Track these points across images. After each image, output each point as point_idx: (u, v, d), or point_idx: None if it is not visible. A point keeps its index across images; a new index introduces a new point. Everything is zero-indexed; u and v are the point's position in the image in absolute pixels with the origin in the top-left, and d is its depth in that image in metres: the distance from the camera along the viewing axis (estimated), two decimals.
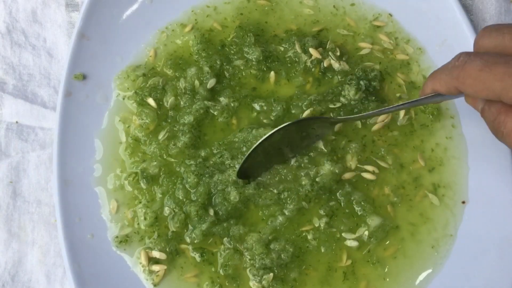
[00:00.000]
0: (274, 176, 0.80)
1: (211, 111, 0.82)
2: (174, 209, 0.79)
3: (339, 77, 0.84)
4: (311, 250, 0.79)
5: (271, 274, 0.76)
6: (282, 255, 0.77)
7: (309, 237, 0.79)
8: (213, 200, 0.79)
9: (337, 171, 0.79)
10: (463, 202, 0.81)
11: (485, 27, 0.63)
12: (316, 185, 0.79)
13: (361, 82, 0.82)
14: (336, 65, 0.84)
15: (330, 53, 0.84)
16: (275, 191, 0.79)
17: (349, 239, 0.79)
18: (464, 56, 0.59)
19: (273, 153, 0.79)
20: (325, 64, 0.84)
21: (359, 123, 0.83)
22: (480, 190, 0.80)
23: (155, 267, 0.78)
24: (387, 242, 0.79)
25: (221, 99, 0.83)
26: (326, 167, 0.79)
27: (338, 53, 0.85)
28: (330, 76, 0.84)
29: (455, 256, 0.79)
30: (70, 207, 0.78)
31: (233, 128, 0.83)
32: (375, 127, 0.83)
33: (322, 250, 0.78)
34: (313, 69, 0.84)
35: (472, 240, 0.79)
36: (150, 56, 0.85)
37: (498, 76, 0.55)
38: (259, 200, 0.79)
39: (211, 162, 0.80)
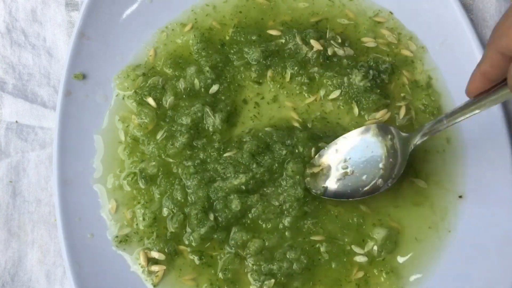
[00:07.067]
0: (277, 188, 0.79)
1: (209, 116, 0.82)
2: (173, 210, 0.79)
3: (349, 61, 0.84)
4: (322, 263, 0.78)
5: (273, 280, 0.76)
6: (294, 265, 0.77)
7: (322, 249, 0.78)
8: (214, 205, 0.78)
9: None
10: (460, 197, 0.80)
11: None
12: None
13: (370, 71, 0.82)
14: (340, 51, 0.84)
15: (332, 41, 0.84)
16: (276, 203, 0.79)
17: (359, 255, 0.78)
18: None
19: None
20: (329, 52, 0.83)
21: (356, 110, 0.83)
22: (480, 189, 0.80)
23: (155, 268, 0.77)
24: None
25: (220, 106, 0.82)
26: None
27: (339, 40, 0.85)
28: (337, 60, 0.84)
29: (455, 256, 0.79)
30: (70, 207, 0.78)
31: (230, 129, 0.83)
32: (369, 122, 0.82)
33: (333, 266, 0.78)
34: (313, 61, 0.84)
35: (472, 239, 0.79)
36: (150, 55, 0.85)
37: None
38: (262, 215, 0.78)
39: (211, 166, 0.80)
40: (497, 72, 0.60)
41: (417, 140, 0.75)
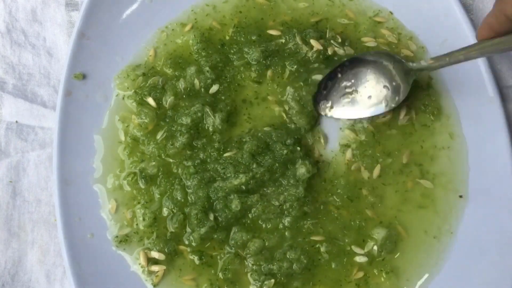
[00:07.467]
0: (278, 188, 0.80)
1: (209, 116, 0.82)
2: (173, 210, 0.79)
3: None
4: (322, 264, 0.78)
5: (272, 280, 0.76)
6: (294, 265, 0.77)
7: (322, 249, 0.79)
8: (214, 205, 0.79)
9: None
10: (461, 196, 0.80)
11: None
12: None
13: None
14: (340, 51, 0.84)
15: (332, 41, 0.84)
16: (276, 203, 0.79)
17: (359, 255, 0.79)
18: None
19: None
20: (330, 52, 0.84)
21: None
22: (480, 190, 0.80)
23: (155, 268, 0.78)
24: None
25: (220, 106, 0.82)
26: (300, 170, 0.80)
27: (339, 40, 0.85)
28: (337, 59, 0.84)
29: (456, 256, 0.79)
30: (70, 207, 0.78)
31: (230, 129, 0.83)
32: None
33: (333, 266, 0.78)
34: (313, 61, 0.84)
35: (472, 240, 0.79)
36: (150, 55, 0.85)
37: None
38: (262, 215, 0.79)
39: (211, 166, 0.80)
40: (500, 26, 0.67)
41: (418, 70, 0.77)
